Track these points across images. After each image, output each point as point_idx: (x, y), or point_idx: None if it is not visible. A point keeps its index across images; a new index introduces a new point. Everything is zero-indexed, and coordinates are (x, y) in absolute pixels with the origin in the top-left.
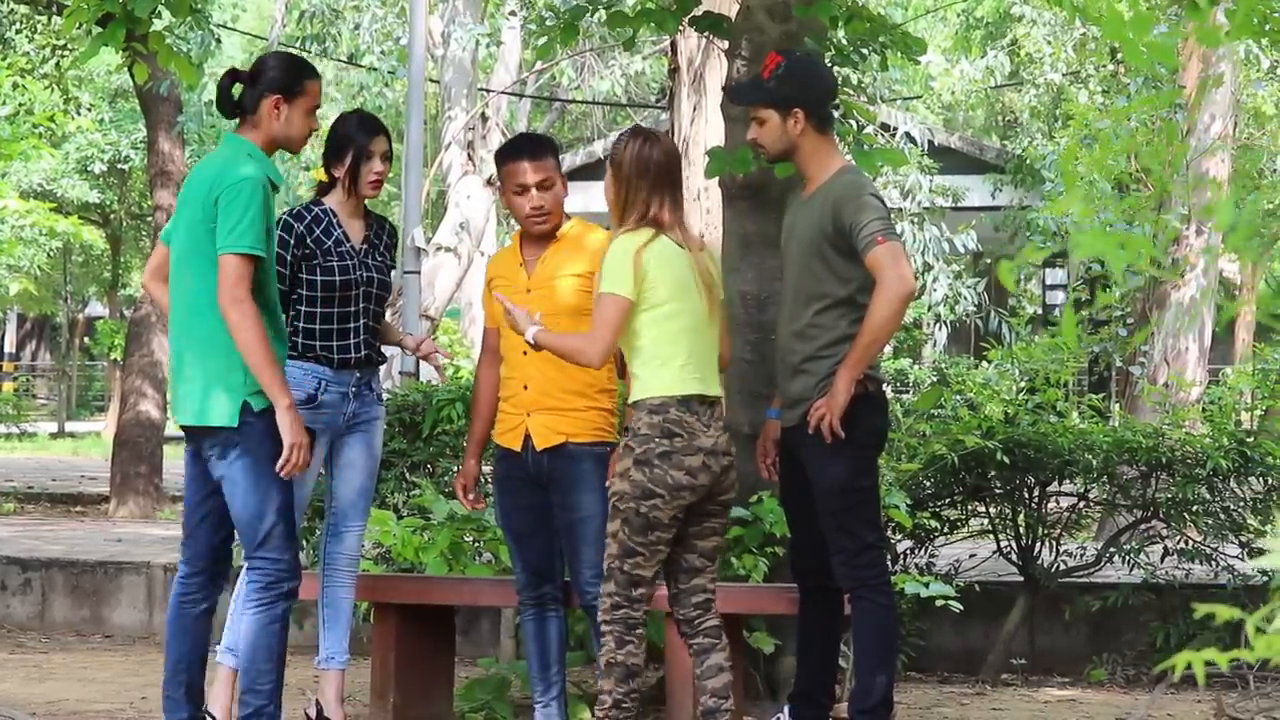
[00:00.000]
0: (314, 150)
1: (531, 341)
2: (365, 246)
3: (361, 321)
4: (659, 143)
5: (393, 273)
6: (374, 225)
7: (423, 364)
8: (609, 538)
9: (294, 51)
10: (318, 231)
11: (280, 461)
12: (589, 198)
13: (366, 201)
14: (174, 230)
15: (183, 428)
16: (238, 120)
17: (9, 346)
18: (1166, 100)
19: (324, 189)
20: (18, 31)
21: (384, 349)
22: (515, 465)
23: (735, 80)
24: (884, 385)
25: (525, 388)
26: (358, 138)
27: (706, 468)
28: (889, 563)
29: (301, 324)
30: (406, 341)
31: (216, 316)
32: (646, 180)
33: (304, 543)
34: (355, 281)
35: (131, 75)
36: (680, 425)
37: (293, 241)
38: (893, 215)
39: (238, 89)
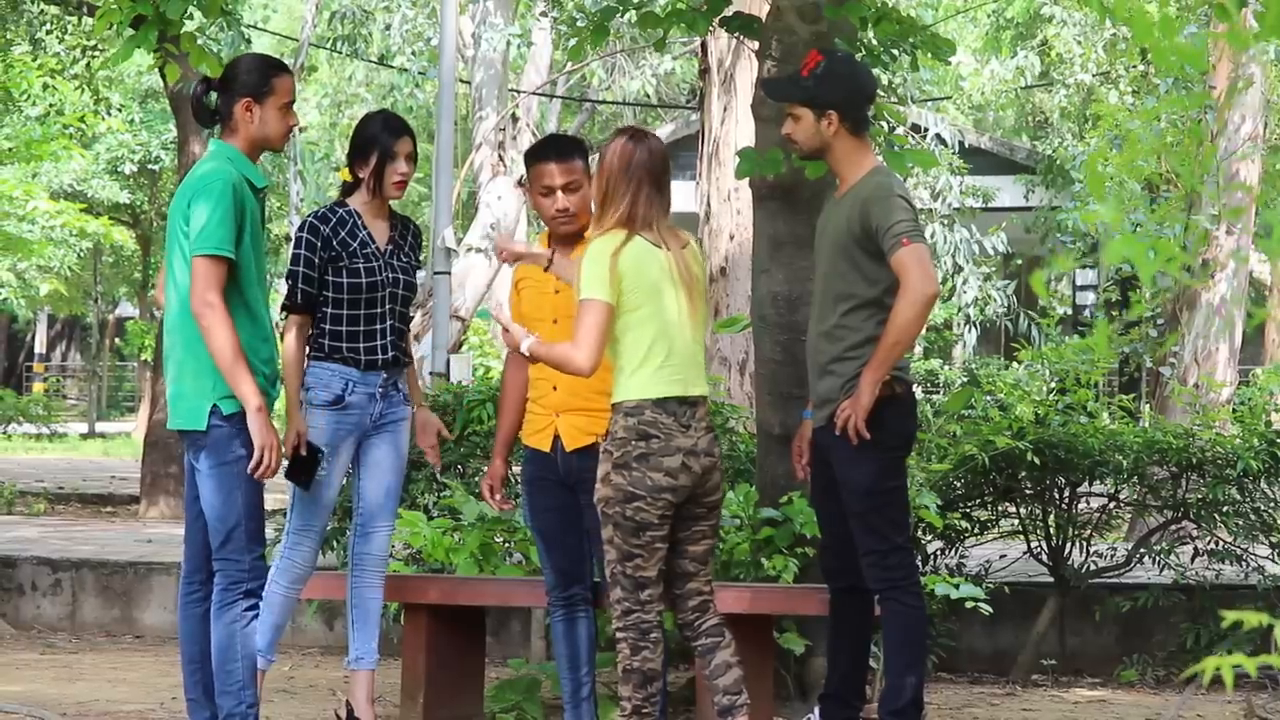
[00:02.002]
0: (342, 150)
1: (527, 354)
2: (390, 248)
3: (389, 323)
4: (646, 142)
5: (419, 273)
6: (398, 226)
7: (454, 364)
8: (605, 544)
9: (319, 48)
10: (343, 233)
11: (251, 464)
12: None
13: (391, 202)
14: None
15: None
16: (220, 128)
17: (39, 347)
18: (1196, 102)
19: (348, 190)
20: (48, 32)
21: (411, 349)
22: (544, 466)
23: (774, 75)
24: (913, 387)
25: (554, 388)
26: (382, 139)
27: (686, 468)
28: (919, 563)
29: (328, 326)
30: (419, 414)
31: (188, 323)
32: (629, 179)
33: (333, 544)
34: (381, 283)
35: (163, 76)
36: (655, 426)
37: (319, 244)
38: (923, 216)
39: (212, 97)
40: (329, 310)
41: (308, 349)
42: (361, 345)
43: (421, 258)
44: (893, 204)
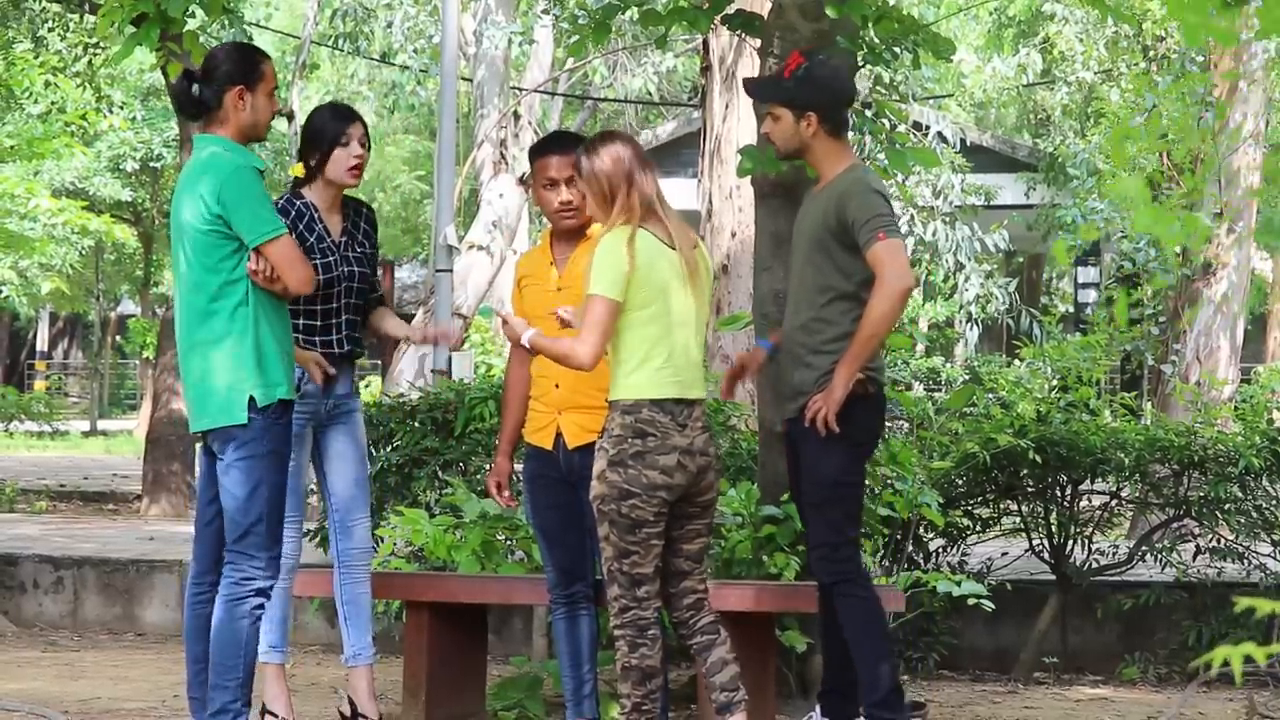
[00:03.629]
0: None
1: (527, 345)
2: (344, 239)
3: (344, 317)
4: (619, 138)
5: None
6: (350, 214)
7: (455, 361)
8: (601, 542)
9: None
10: (300, 227)
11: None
12: None
13: (346, 190)
14: (173, 240)
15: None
16: (203, 120)
17: (41, 345)
18: (1197, 81)
19: (299, 185)
20: (50, 30)
21: (416, 346)
22: (546, 463)
23: (757, 76)
24: (884, 386)
25: (556, 386)
26: (331, 127)
27: (682, 467)
28: (921, 560)
29: None
30: (414, 335)
31: (215, 318)
32: (626, 174)
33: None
34: (338, 278)
35: (165, 74)
36: (652, 425)
37: None
38: (925, 213)
39: (197, 89)
40: (285, 303)
41: None
42: (318, 338)
43: (379, 238)
44: (868, 198)
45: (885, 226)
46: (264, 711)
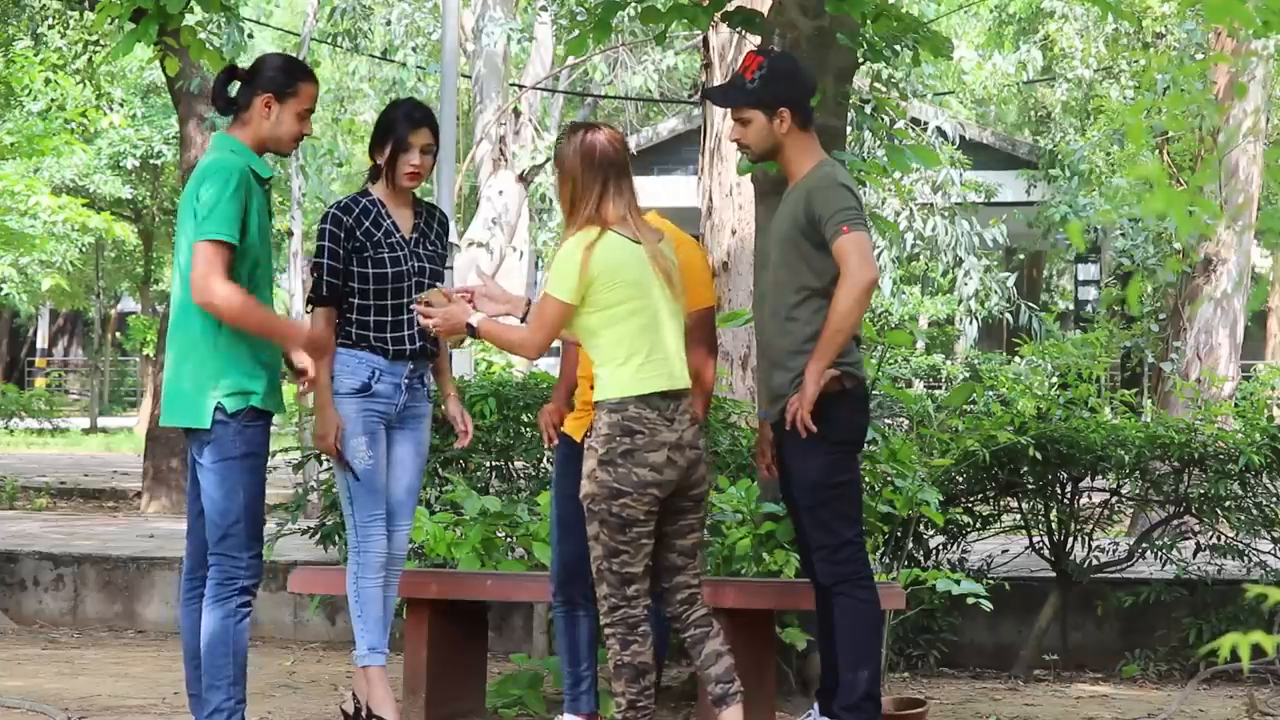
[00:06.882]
0: (345, 145)
1: (475, 326)
2: (415, 236)
3: (414, 314)
4: (602, 131)
5: (446, 258)
6: (423, 214)
7: (454, 359)
8: (590, 541)
9: (312, 53)
10: (367, 223)
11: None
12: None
13: (414, 190)
14: (176, 234)
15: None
16: (231, 117)
17: (41, 342)
18: (1197, 69)
19: (374, 176)
20: (50, 27)
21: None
22: (576, 455)
23: (717, 84)
24: (864, 382)
25: (592, 386)
26: (399, 128)
27: (672, 462)
28: (920, 559)
29: (355, 315)
30: (450, 404)
31: (191, 317)
32: (595, 173)
33: (335, 538)
34: (407, 273)
35: (164, 69)
36: (640, 422)
37: (343, 235)
38: (925, 209)
39: (234, 86)
40: (356, 300)
41: (336, 338)
42: (389, 335)
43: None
44: (835, 192)
45: (849, 220)
46: (369, 715)
